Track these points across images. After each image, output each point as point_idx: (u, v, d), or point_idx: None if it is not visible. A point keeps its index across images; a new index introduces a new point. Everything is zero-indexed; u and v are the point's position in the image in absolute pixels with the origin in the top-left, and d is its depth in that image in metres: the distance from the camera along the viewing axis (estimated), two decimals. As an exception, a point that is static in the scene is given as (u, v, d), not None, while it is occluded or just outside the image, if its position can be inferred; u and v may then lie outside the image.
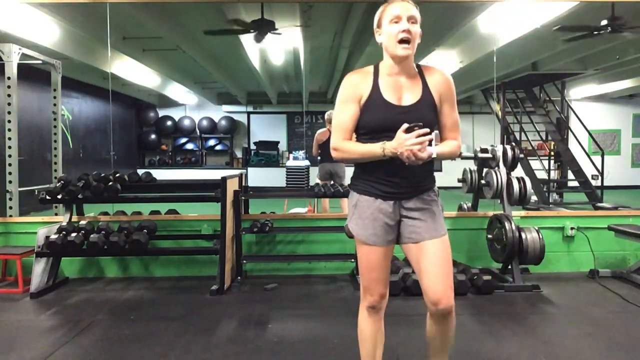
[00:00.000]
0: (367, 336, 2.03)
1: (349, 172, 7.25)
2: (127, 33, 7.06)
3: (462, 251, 4.48)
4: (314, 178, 6.92)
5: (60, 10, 5.77)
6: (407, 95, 1.89)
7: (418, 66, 1.96)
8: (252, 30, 6.09)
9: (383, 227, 1.91)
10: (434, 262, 1.87)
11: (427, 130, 1.75)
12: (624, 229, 4.16)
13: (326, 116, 6.14)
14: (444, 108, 1.94)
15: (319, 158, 6.46)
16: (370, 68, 1.95)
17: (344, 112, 1.92)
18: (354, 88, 1.91)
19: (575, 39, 6.30)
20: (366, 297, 2.00)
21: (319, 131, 6.35)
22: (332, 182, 5.15)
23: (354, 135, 1.95)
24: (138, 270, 4.42)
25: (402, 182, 1.89)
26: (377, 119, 1.87)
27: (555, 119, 10.28)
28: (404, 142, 1.74)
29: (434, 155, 1.80)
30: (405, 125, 1.75)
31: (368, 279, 1.97)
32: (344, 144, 1.91)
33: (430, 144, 1.78)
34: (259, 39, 6.18)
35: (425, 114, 1.88)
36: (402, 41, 1.82)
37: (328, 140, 6.23)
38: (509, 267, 3.98)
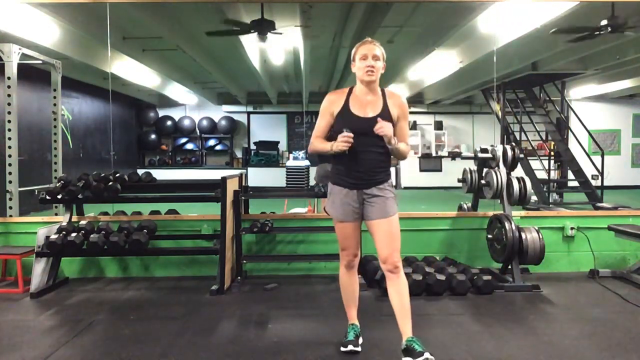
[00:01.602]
0: (347, 285, 2.83)
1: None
2: (127, 33, 7.06)
3: (462, 251, 4.48)
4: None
5: (60, 10, 5.76)
6: (371, 109, 2.60)
7: (383, 91, 2.66)
8: (252, 31, 6.09)
9: (350, 208, 2.64)
10: (382, 234, 2.61)
11: (351, 135, 2.48)
12: (624, 229, 4.16)
13: None
14: (400, 122, 2.65)
15: (309, 153, 6.49)
16: (346, 89, 2.67)
17: (321, 120, 2.68)
18: (329, 103, 2.66)
19: (576, 39, 6.29)
20: (343, 256, 2.79)
21: None
22: None
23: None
24: (138, 270, 4.42)
25: (361, 175, 2.60)
26: (345, 126, 2.53)
27: (555, 119, 10.28)
28: (338, 141, 2.51)
29: (392, 145, 2.53)
30: (344, 131, 2.50)
31: (344, 244, 2.75)
32: (316, 142, 2.68)
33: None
34: (262, 38, 6.16)
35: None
36: (367, 72, 2.54)
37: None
38: (509, 267, 3.98)
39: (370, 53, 2.54)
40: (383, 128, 2.46)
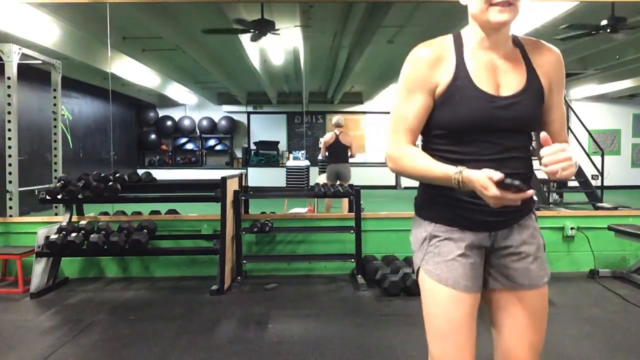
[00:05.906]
0: None
1: (354, 173, 7.34)
2: (127, 33, 7.06)
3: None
4: (314, 178, 6.96)
5: (60, 10, 5.77)
6: (506, 80, 1.32)
7: (516, 39, 1.39)
8: (252, 30, 6.09)
9: (474, 266, 1.36)
10: (523, 317, 1.37)
11: (530, 193, 1.12)
12: (624, 229, 4.16)
13: (334, 120, 6.23)
14: (553, 99, 1.39)
15: (320, 158, 6.65)
16: (449, 39, 1.38)
17: (407, 105, 1.33)
18: (426, 69, 1.32)
19: (574, 37, 6.29)
20: None
21: (326, 135, 6.60)
22: (338, 182, 5.19)
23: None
24: (138, 270, 4.42)
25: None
26: (465, 116, 1.29)
27: (555, 119, 10.26)
28: (499, 198, 1.13)
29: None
30: (497, 176, 1.11)
31: (448, 346, 1.34)
32: (404, 153, 1.33)
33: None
34: (255, 38, 6.18)
35: (531, 108, 1.34)
36: (498, 4, 1.27)
37: (335, 143, 6.59)
38: (509, 267, 3.98)
39: None
40: (560, 167, 1.18)
